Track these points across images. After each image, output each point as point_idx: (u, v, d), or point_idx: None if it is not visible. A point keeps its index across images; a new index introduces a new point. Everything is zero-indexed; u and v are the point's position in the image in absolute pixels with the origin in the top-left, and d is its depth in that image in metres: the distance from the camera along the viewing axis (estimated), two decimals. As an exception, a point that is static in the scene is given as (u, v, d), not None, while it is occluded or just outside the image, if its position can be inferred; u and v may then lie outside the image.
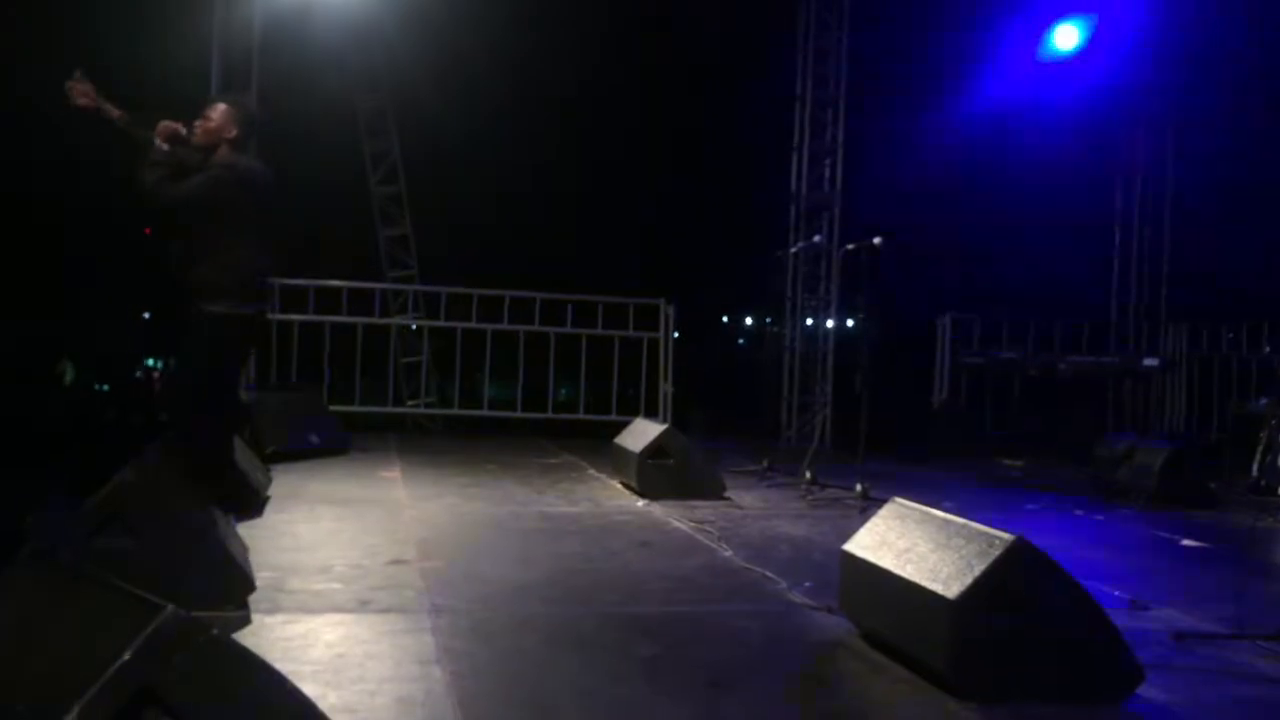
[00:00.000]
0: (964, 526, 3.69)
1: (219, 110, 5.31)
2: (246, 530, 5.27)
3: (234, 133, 5.28)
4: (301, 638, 3.81)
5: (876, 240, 7.55)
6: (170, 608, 2.12)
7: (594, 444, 9.72)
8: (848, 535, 4.23)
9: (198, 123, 5.28)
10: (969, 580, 3.40)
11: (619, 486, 7.79)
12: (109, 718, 2.03)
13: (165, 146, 5.07)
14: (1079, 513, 7.66)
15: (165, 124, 5.11)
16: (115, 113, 5.14)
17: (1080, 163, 13.82)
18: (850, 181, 12.55)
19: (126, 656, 2.05)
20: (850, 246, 7.86)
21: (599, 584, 4.87)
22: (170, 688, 2.08)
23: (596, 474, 8.48)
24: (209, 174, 5.13)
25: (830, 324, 12.54)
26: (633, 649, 3.85)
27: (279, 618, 4.04)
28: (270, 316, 5.51)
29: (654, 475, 7.35)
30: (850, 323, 12.74)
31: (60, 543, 3.38)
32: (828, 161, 12.55)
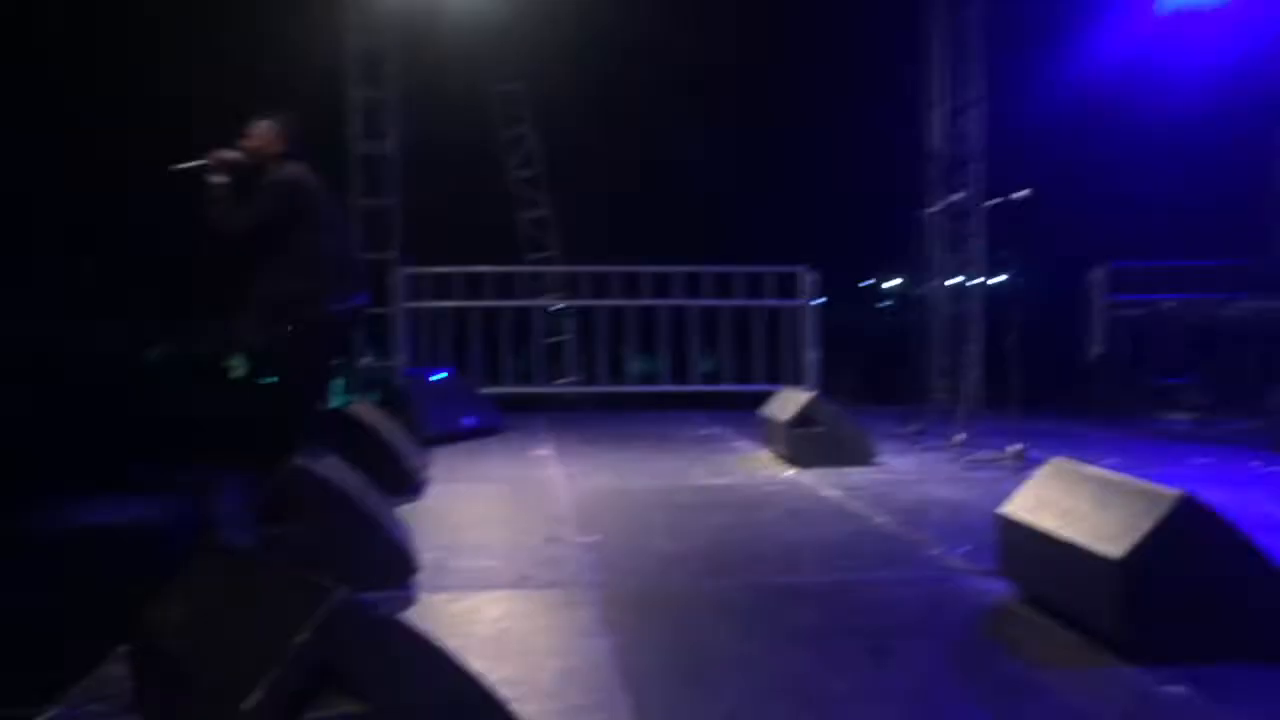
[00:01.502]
0: (1127, 484, 3.57)
1: (261, 128, 5.44)
2: (408, 512, 5.45)
3: (280, 148, 5.41)
4: (465, 614, 3.92)
5: (1023, 193, 7.32)
6: (343, 589, 2.21)
7: (740, 414, 9.71)
8: (1004, 497, 4.13)
9: (242, 142, 5.42)
10: (1135, 539, 3.29)
11: (768, 456, 7.77)
12: (291, 693, 2.12)
13: (222, 179, 5.22)
14: (1255, 464, 7.31)
15: (216, 155, 5.26)
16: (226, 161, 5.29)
17: (1235, 99, 13.13)
18: (992, 134, 12.18)
19: (305, 636, 2.14)
20: (995, 201, 7.65)
21: (754, 555, 4.88)
22: (346, 664, 2.17)
23: (745, 444, 8.47)
24: (260, 194, 5.26)
25: (977, 281, 12.23)
26: (792, 618, 3.85)
27: (443, 596, 4.17)
28: (356, 309, 5.60)
29: (803, 444, 7.31)
30: (998, 279, 12.40)
31: (237, 529, 3.55)
32: (969, 115, 12.21)
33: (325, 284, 5.29)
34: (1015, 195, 7.36)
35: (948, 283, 12.24)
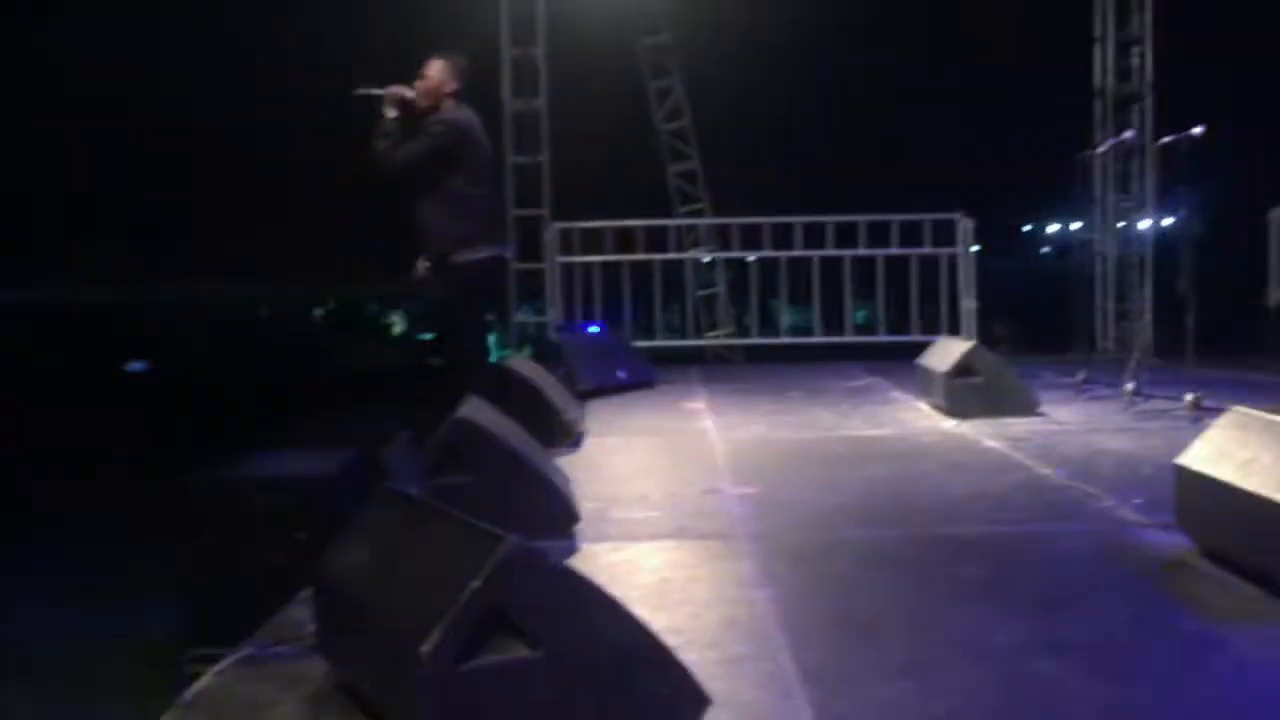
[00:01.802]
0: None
1: (436, 66, 5.47)
2: (567, 463, 5.54)
3: (453, 86, 5.44)
4: (626, 564, 3.98)
5: (1196, 130, 6.95)
6: (513, 537, 2.26)
7: (896, 365, 9.54)
8: (1179, 448, 3.96)
9: (417, 82, 5.47)
10: (1327, 491, 3.12)
11: (925, 408, 7.62)
12: (465, 637, 2.19)
13: (394, 114, 5.29)
14: None
15: (392, 90, 5.33)
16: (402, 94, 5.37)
17: None
18: (1160, 69, 11.59)
19: (478, 583, 2.20)
20: (1167, 139, 7.29)
21: (913, 507, 4.81)
22: (517, 610, 2.23)
23: (901, 395, 8.33)
24: (427, 133, 5.32)
25: (1147, 224, 11.71)
26: (955, 570, 3.79)
27: (604, 545, 4.23)
28: (503, 258, 5.68)
29: (962, 394, 7.14)
30: (1169, 221, 11.84)
31: (406, 480, 3.68)
32: (1136, 50, 11.63)
33: (475, 228, 5.37)
34: (1189, 133, 7.00)
35: (1115, 226, 11.76)
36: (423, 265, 5.48)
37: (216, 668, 3.05)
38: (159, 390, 22.80)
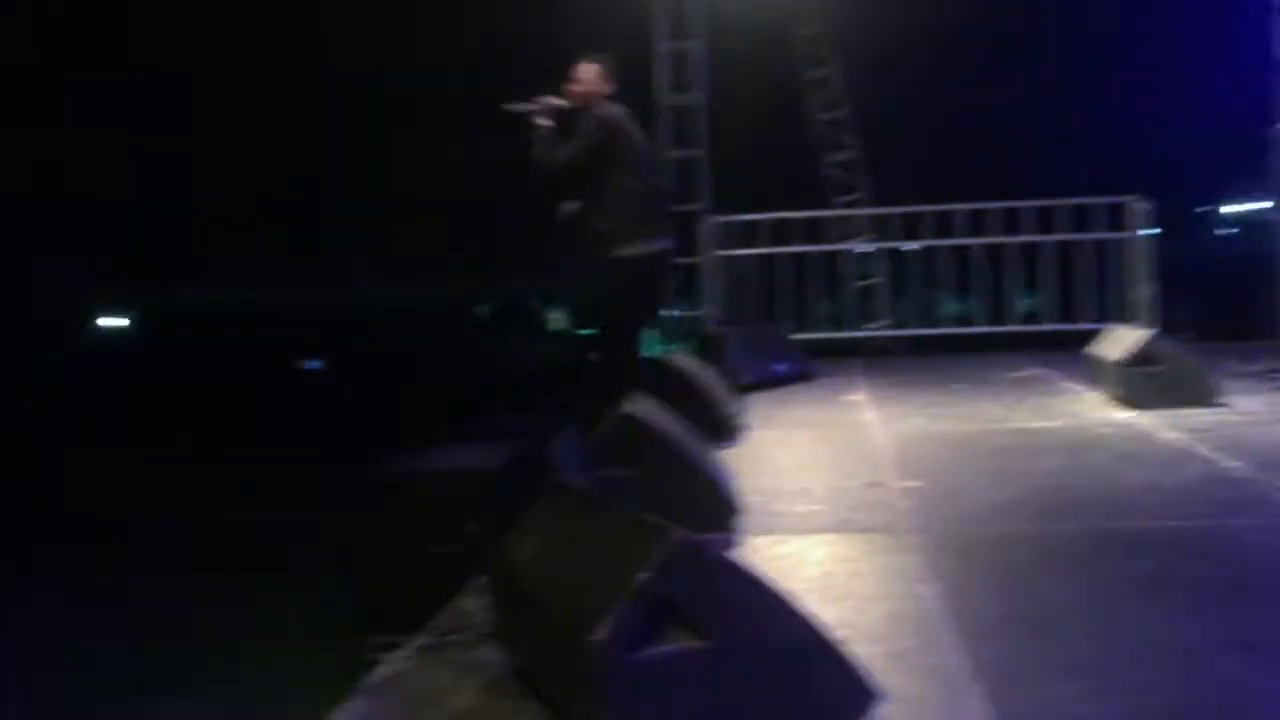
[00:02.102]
0: None
1: (586, 70, 5.51)
2: (727, 457, 5.56)
3: (601, 88, 5.47)
4: (790, 557, 3.98)
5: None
6: (680, 530, 2.30)
7: (1065, 355, 9.24)
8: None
9: (568, 86, 5.51)
10: None
11: (1098, 398, 7.37)
12: (635, 627, 2.24)
13: (548, 123, 5.36)
14: None
15: (543, 101, 5.40)
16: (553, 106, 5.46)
17: None
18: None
19: (647, 574, 2.25)
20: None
21: (1085, 500, 4.67)
22: (686, 602, 2.27)
23: (1071, 386, 8.07)
24: (580, 132, 5.35)
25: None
26: (1130, 566, 3.67)
27: (767, 539, 4.24)
28: (661, 253, 5.64)
29: (1137, 384, 6.88)
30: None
31: (573, 473, 3.76)
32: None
33: (633, 223, 5.40)
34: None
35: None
36: (584, 255, 5.51)
37: (397, 655, 3.18)
38: (333, 387, 23.73)
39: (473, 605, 3.53)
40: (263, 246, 35.65)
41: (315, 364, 23.46)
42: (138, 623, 9.54)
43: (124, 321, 39.32)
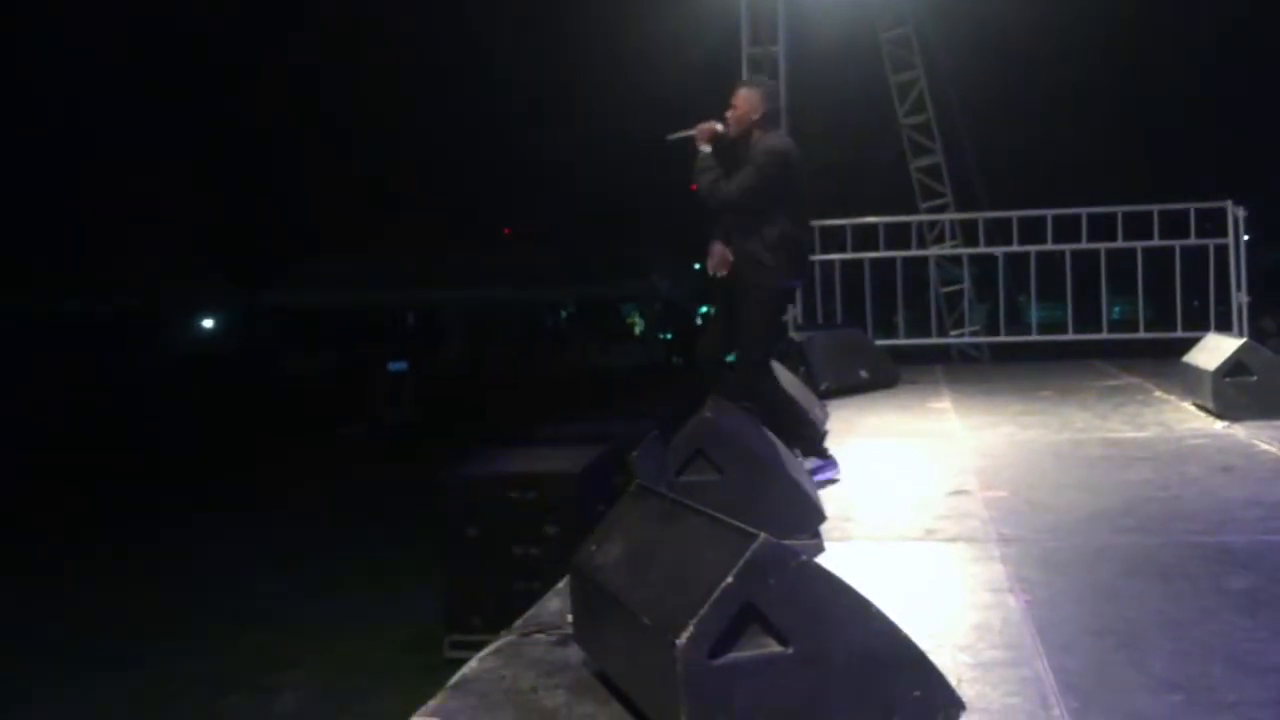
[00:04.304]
0: None
1: (742, 96, 5.45)
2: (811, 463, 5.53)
3: (760, 113, 5.40)
4: (873, 564, 3.96)
5: None
6: (764, 535, 2.31)
7: (1158, 364, 9.04)
8: None
9: (728, 113, 5.47)
10: None
11: (1191, 408, 7.20)
12: (719, 630, 2.26)
13: (707, 149, 5.33)
14: None
15: (703, 126, 5.38)
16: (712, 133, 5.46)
17: None
18: None
19: (730, 579, 2.26)
20: None
21: (1177, 512, 4.57)
22: (769, 605, 2.27)
23: (1164, 396, 7.90)
24: (755, 165, 5.24)
25: None
26: (1223, 581, 3.58)
27: (850, 545, 4.23)
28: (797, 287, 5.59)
29: (1233, 394, 6.71)
30: None
31: (655, 477, 3.78)
32: None
33: (783, 260, 5.24)
34: None
35: None
36: (719, 249, 5.45)
37: (480, 654, 3.23)
38: (418, 388, 24.07)
39: (556, 606, 3.57)
40: (344, 247, 36.28)
41: (400, 366, 23.84)
42: (219, 614, 9.79)
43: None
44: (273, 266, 36.22)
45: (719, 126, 5.33)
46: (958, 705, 2.38)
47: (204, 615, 9.88)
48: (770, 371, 5.58)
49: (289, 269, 36.90)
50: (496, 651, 3.23)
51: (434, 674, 3.27)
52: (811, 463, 5.35)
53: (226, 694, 8.12)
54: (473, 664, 3.15)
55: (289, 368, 32.99)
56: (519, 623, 3.52)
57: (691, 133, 5.34)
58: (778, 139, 5.31)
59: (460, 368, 29.92)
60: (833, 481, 5.36)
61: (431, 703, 2.83)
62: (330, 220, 36.01)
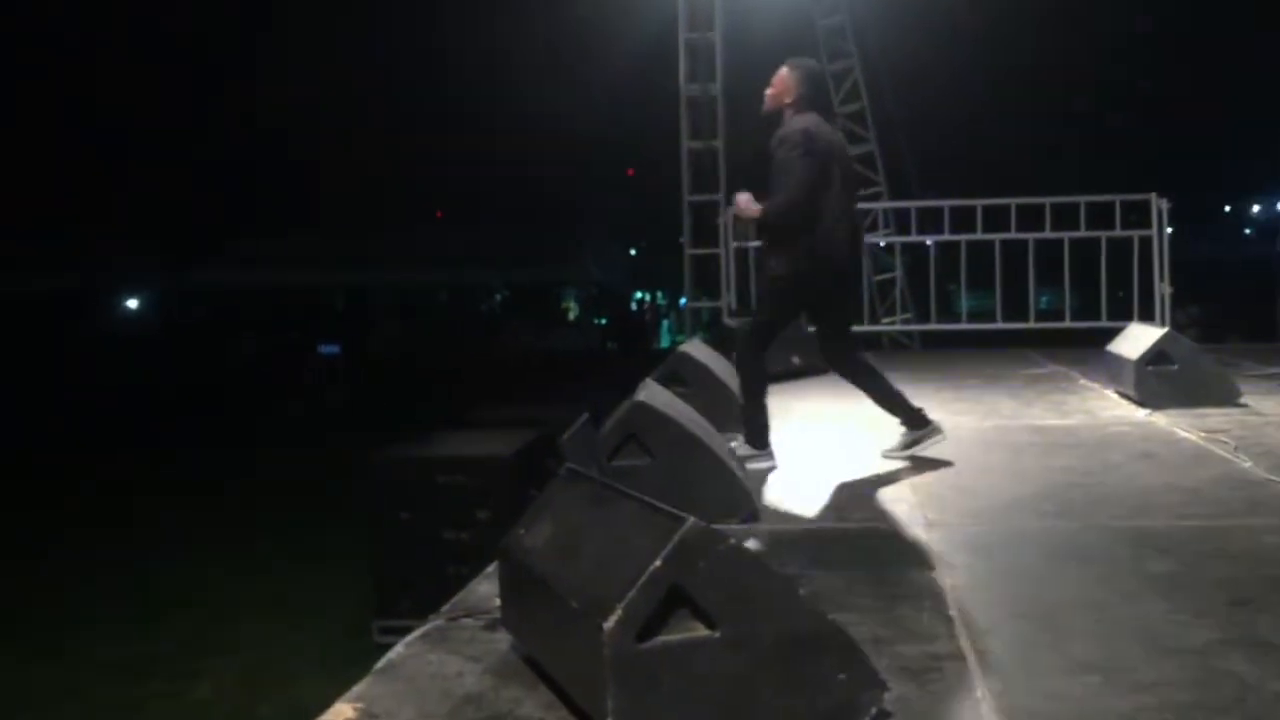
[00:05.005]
0: None
1: (779, 76, 5.36)
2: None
3: (794, 96, 5.30)
4: (802, 548, 3.98)
5: None
6: (693, 519, 2.30)
7: (1083, 353, 9.22)
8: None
9: (767, 91, 5.41)
10: None
11: (1115, 396, 7.35)
12: (647, 614, 2.25)
13: (751, 214, 5.28)
14: None
15: (740, 213, 5.39)
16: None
17: None
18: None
19: (658, 563, 2.25)
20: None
21: (1100, 498, 4.66)
22: (697, 589, 2.27)
23: (1088, 384, 8.05)
24: (790, 167, 5.08)
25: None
26: (1143, 565, 3.65)
27: (779, 529, 4.26)
28: (839, 270, 5.41)
29: (1155, 383, 6.85)
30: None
31: (588, 461, 3.76)
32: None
33: (811, 243, 5.15)
34: None
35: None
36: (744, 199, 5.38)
37: (407, 639, 3.19)
38: (349, 372, 23.82)
39: (484, 591, 3.54)
40: (276, 229, 35.71)
41: (332, 349, 23.56)
42: (144, 601, 9.61)
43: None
44: (204, 246, 35.53)
45: (747, 207, 5.28)
46: (881, 687, 2.40)
47: (127, 601, 9.71)
48: (758, 346, 5.47)
49: (222, 249, 36.24)
50: (423, 636, 3.20)
51: (362, 660, 3.23)
52: (745, 450, 5.36)
53: (147, 681, 7.98)
54: (399, 649, 3.11)
55: (219, 349, 32.45)
56: (446, 607, 3.48)
57: (738, 214, 5.38)
58: (803, 120, 5.17)
59: (392, 351, 29.63)
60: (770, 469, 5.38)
61: (356, 688, 2.79)
62: (262, 201, 35.42)
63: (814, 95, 5.34)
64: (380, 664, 2.99)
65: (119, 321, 38.28)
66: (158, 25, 32.65)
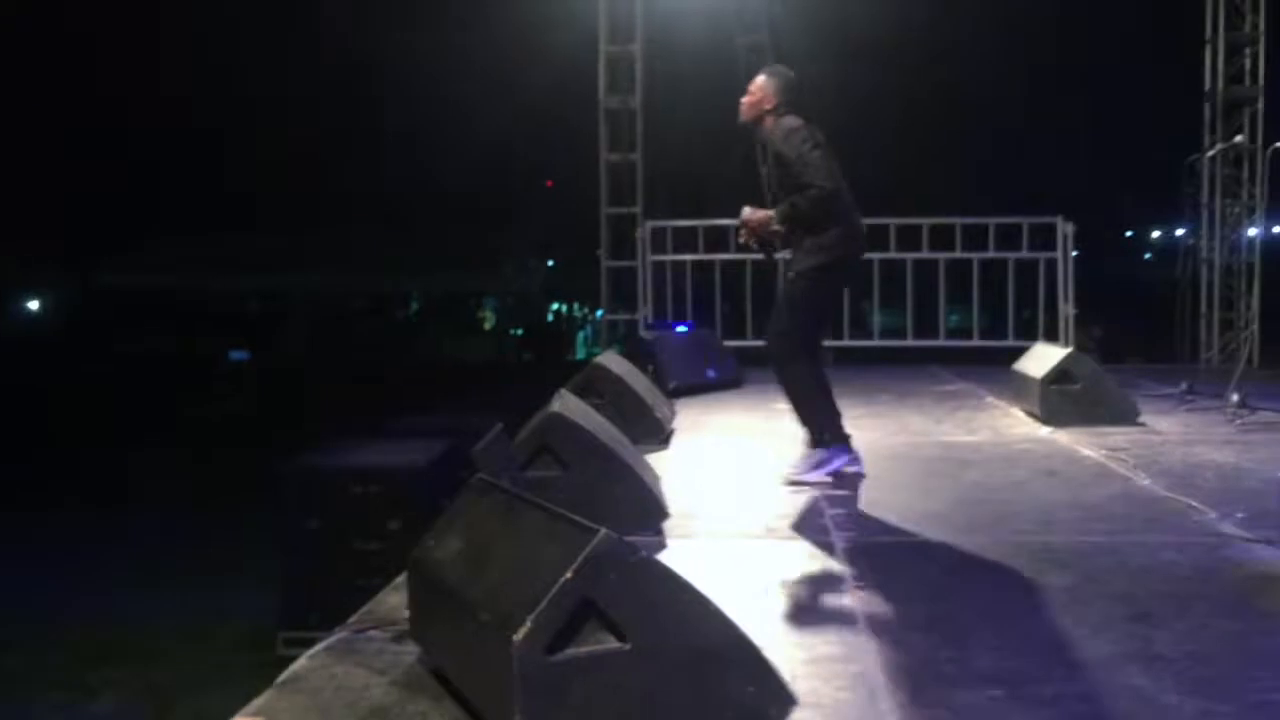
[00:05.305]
0: None
1: (757, 84, 5.38)
2: (656, 460, 5.56)
3: (774, 102, 5.32)
4: (713, 561, 3.99)
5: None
6: (604, 531, 2.29)
7: (990, 371, 9.41)
8: (1288, 461, 3.86)
9: (743, 100, 5.42)
10: None
11: (1020, 414, 7.51)
12: (556, 627, 2.23)
13: (776, 228, 5.26)
14: None
15: (748, 228, 5.37)
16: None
17: None
18: (1274, 72, 11.25)
19: (569, 575, 2.24)
20: (1280, 144, 7.08)
21: (1004, 513, 4.75)
22: (608, 601, 2.26)
23: (995, 402, 8.21)
24: (806, 161, 5.06)
25: (1255, 232, 11.37)
26: (1045, 579, 3.73)
27: (691, 542, 4.25)
28: (854, 260, 5.41)
29: (1059, 401, 7.02)
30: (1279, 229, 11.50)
31: (501, 471, 3.73)
32: (1248, 52, 11.30)
33: (825, 240, 5.16)
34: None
35: (1223, 232, 11.43)
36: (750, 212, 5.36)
37: (311, 651, 3.13)
38: (259, 378, 23.37)
39: (393, 602, 3.49)
40: (187, 230, 34.92)
41: (241, 355, 23.10)
42: (49, 618, 9.30)
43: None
44: (110, 247, 34.59)
45: (757, 222, 5.25)
46: (789, 701, 2.41)
47: (22, 611, 9.38)
48: (796, 349, 5.32)
49: (127, 250, 35.30)
50: (329, 648, 3.14)
51: (266, 672, 3.15)
52: (819, 454, 5.27)
53: (42, 694, 7.73)
54: (303, 661, 3.05)
55: (123, 352, 31.60)
56: (354, 619, 3.42)
57: (759, 237, 5.37)
58: (792, 120, 5.20)
59: (304, 358, 29.15)
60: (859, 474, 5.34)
61: (256, 701, 2.73)
62: (170, 202, 34.63)
63: (794, 99, 5.39)
64: (283, 676, 2.93)
65: (19, 323, 37.12)
66: (76, 15, 31.80)
